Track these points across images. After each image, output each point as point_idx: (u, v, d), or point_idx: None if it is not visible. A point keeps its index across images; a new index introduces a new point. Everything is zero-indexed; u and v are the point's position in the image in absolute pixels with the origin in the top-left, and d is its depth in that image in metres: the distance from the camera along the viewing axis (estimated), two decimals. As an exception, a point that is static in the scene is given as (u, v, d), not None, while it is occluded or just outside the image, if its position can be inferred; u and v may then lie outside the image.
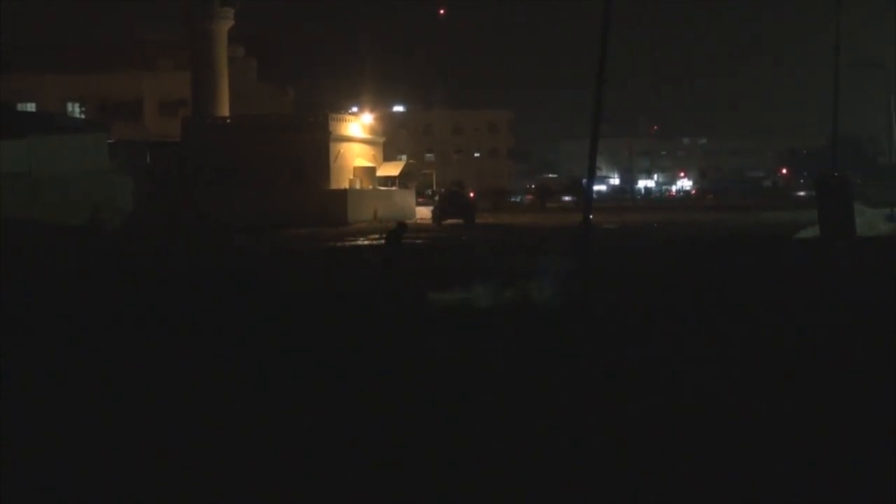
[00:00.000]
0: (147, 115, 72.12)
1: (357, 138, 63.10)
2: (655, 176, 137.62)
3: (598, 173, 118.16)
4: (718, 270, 23.33)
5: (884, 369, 11.44)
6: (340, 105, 69.29)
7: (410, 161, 67.11)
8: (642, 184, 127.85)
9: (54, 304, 19.31)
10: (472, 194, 63.74)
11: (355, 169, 62.22)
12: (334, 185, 59.36)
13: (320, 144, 59.39)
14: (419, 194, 66.15)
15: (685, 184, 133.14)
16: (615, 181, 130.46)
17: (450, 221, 54.93)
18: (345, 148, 61.52)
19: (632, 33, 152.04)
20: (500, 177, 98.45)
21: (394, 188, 64.17)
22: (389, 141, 65.88)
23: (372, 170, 63.67)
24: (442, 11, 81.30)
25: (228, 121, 61.64)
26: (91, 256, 30.65)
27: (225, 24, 64.16)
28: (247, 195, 55.33)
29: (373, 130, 64.79)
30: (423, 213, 64.41)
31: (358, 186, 61.04)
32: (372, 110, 64.68)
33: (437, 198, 59.76)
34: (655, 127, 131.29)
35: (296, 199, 56.08)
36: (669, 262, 26.23)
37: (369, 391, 11.02)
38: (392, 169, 65.47)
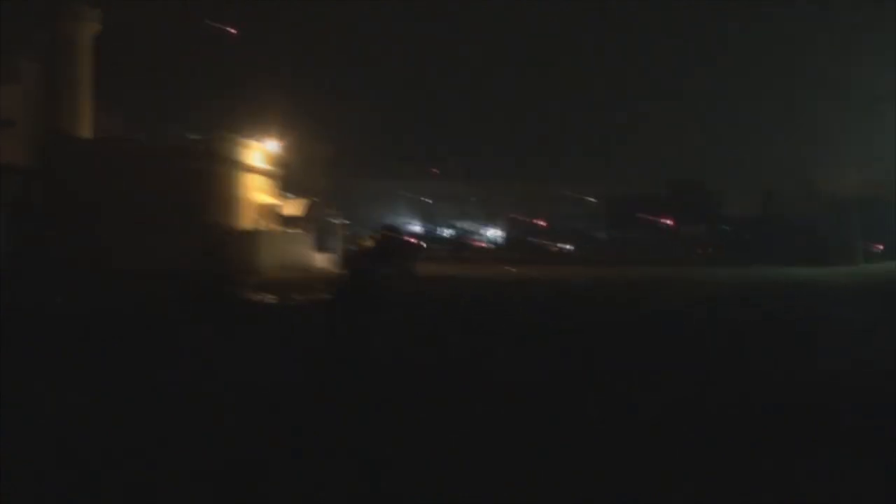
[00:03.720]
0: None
1: (260, 169, 52.33)
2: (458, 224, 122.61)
3: (400, 218, 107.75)
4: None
5: None
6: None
7: (314, 199, 56.32)
8: (447, 232, 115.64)
9: None
10: (411, 239, 53.89)
11: (252, 205, 51.49)
12: (233, 224, 48.53)
13: (223, 174, 48.45)
14: (320, 239, 55.33)
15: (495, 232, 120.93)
16: (417, 228, 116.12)
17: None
18: (248, 180, 50.76)
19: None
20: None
21: (298, 230, 53.55)
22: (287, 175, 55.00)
23: (267, 207, 52.95)
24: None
25: (101, 143, 49.75)
26: None
27: (90, 28, 52.32)
28: (123, 236, 44.10)
29: (268, 159, 53.98)
30: (322, 260, 54.28)
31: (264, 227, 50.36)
32: (279, 137, 53.64)
33: (362, 243, 49.21)
34: (436, 170, 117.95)
35: (189, 240, 44.88)
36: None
37: None
38: (296, 208, 54.78)
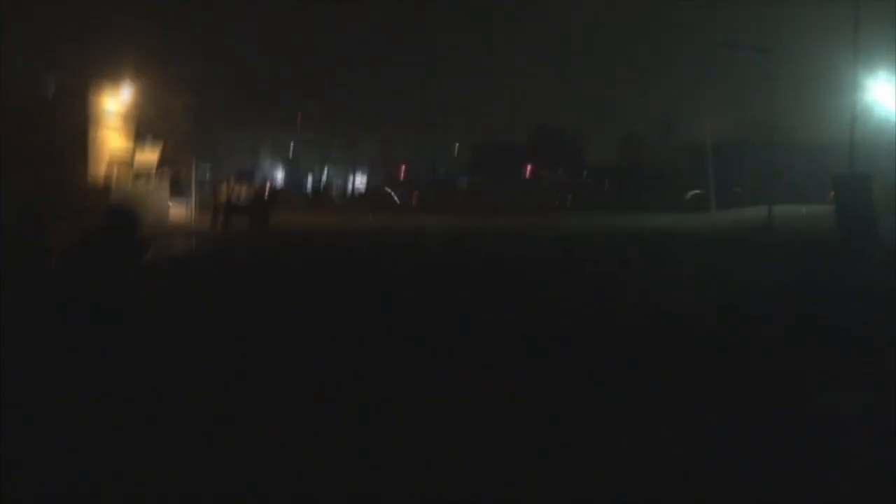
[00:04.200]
0: None
1: (112, 118, 50.56)
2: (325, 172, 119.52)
3: (262, 168, 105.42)
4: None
5: None
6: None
7: (170, 147, 54.65)
8: (310, 181, 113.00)
9: None
10: (265, 188, 52.75)
11: (106, 154, 49.80)
12: (90, 178, 46.95)
13: (76, 122, 46.65)
14: (175, 186, 53.79)
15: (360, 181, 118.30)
16: (281, 177, 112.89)
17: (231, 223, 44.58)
18: (102, 129, 49.03)
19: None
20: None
21: (148, 182, 51.88)
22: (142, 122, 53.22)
23: (121, 155, 51.22)
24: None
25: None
26: None
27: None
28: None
29: (125, 106, 52.15)
30: (177, 213, 52.98)
31: (114, 178, 48.76)
32: (134, 81, 51.67)
33: (216, 191, 48.12)
34: (300, 114, 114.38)
35: (42, 194, 43.22)
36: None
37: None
38: (147, 157, 53.02)
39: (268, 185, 57.96)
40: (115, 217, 11.18)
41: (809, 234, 35.81)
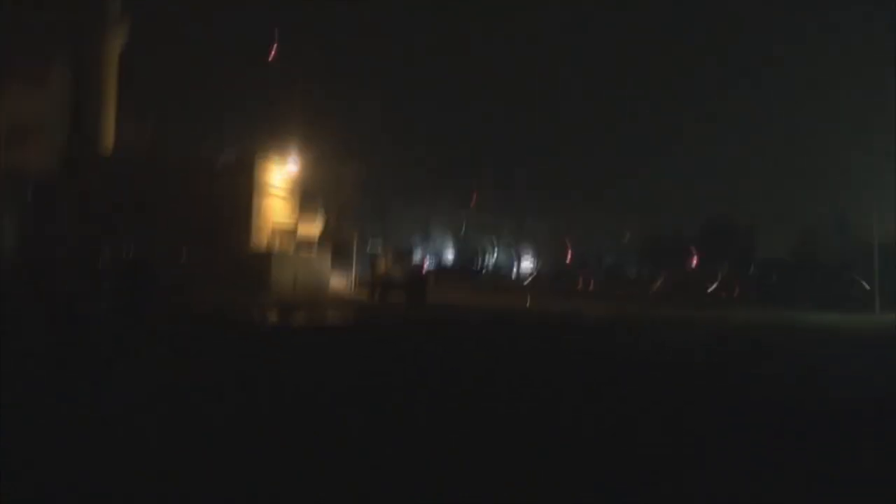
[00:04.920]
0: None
1: (277, 189, 52.22)
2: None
3: (433, 246, 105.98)
4: None
5: None
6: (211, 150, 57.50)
7: (333, 221, 56.06)
8: (479, 262, 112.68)
9: None
10: (424, 264, 53.54)
11: (272, 224, 51.41)
12: (254, 244, 48.54)
13: (243, 193, 48.41)
14: (337, 257, 54.98)
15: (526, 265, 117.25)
16: (451, 256, 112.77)
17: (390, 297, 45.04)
18: (266, 200, 50.67)
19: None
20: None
21: (311, 252, 53.30)
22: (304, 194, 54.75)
23: (286, 227, 52.80)
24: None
25: (126, 155, 49.83)
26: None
27: (117, 40, 52.74)
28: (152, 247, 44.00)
29: (290, 180, 53.85)
30: (338, 283, 54.12)
31: (277, 247, 50.26)
32: (297, 155, 53.40)
33: (375, 265, 48.94)
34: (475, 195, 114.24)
35: (208, 257, 45.01)
36: None
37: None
38: (311, 228, 54.53)
39: (426, 261, 58.55)
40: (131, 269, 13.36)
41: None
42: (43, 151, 48.34)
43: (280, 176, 52.36)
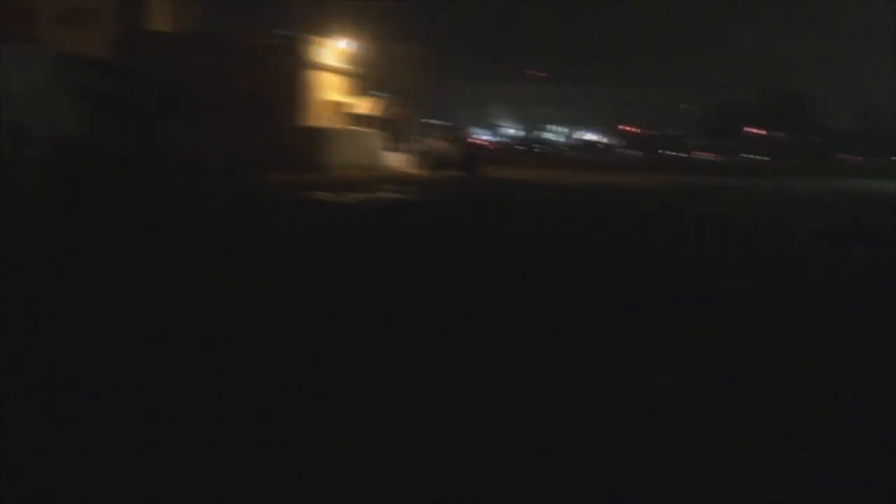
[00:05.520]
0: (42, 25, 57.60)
1: (330, 67, 53.15)
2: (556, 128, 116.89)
3: (493, 122, 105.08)
4: None
5: None
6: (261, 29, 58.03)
7: (392, 99, 56.88)
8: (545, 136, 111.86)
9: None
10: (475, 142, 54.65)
11: (325, 103, 52.47)
12: (304, 122, 49.78)
13: (292, 71, 49.50)
14: (394, 135, 55.93)
15: (589, 136, 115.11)
16: (512, 131, 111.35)
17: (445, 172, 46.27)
18: (323, 80, 51.73)
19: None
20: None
21: (366, 129, 54.38)
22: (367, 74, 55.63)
23: (342, 106, 53.85)
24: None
25: (183, 38, 51.08)
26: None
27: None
28: (201, 129, 45.31)
29: (347, 59, 54.70)
30: (395, 160, 55.11)
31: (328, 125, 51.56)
32: (349, 36, 54.30)
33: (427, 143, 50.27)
34: (542, 73, 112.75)
35: (258, 136, 46.45)
36: None
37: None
38: (368, 107, 55.55)
39: (478, 140, 59.44)
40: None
41: None
42: (100, 33, 49.71)
43: (338, 56, 53.27)
